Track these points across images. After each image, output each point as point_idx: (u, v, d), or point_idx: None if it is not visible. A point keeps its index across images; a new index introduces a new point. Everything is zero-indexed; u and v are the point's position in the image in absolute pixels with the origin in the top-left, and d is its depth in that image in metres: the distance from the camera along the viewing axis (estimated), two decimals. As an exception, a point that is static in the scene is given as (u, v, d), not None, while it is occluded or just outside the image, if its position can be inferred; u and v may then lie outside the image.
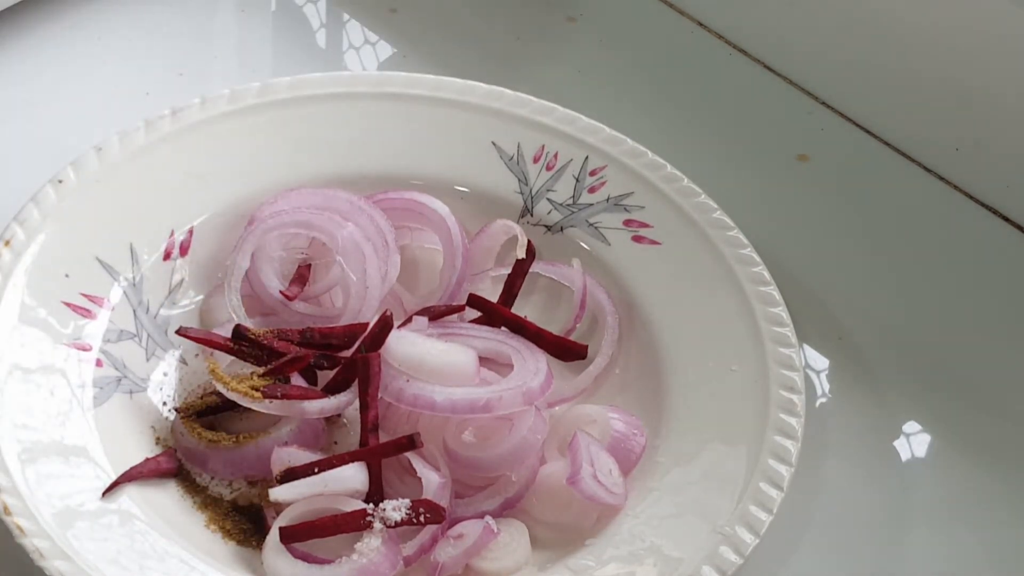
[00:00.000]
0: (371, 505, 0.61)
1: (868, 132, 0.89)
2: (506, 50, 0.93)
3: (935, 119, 0.86)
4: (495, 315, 0.70)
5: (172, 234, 0.72)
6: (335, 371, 0.66)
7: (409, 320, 0.69)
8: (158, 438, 0.66)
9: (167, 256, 0.71)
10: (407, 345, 0.65)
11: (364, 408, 0.64)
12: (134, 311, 0.69)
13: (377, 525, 0.60)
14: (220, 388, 0.64)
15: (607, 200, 0.75)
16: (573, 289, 0.72)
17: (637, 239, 0.74)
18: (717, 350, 0.69)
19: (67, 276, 0.68)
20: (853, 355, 0.76)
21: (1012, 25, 0.80)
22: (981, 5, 0.81)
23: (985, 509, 0.69)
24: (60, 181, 0.70)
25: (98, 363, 0.66)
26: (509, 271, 0.72)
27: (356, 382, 0.64)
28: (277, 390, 0.64)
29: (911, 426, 0.73)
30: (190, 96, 0.75)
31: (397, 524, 0.60)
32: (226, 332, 0.67)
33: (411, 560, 0.61)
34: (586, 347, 0.70)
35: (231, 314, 0.69)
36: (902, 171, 0.87)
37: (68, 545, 0.58)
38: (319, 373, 0.68)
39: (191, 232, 0.72)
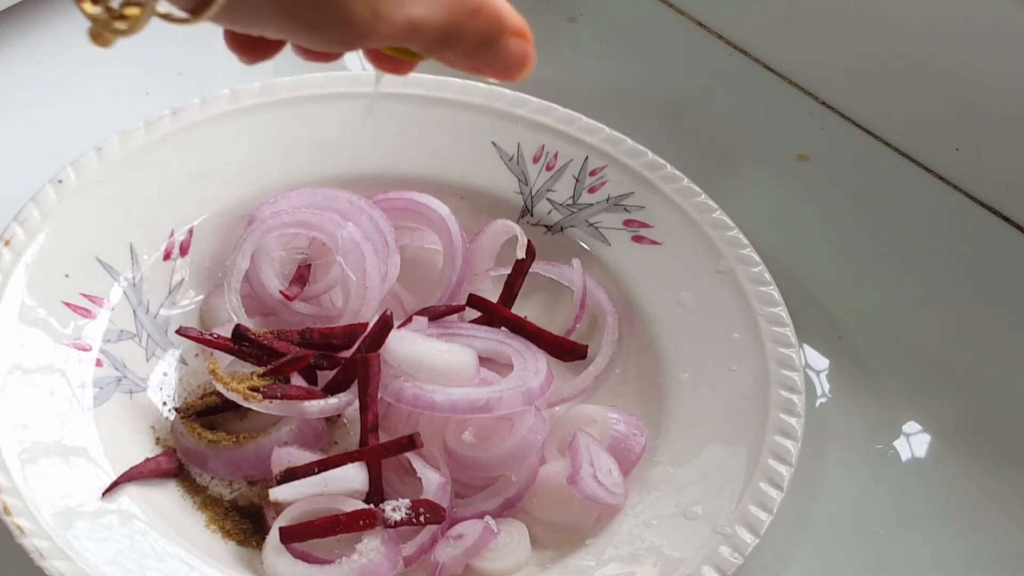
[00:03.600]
0: (371, 506, 0.61)
1: (868, 132, 0.89)
2: (506, 50, 0.93)
3: (935, 119, 0.86)
4: (495, 315, 0.70)
5: (172, 234, 0.72)
6: (335, 371, 0.66)
7: (409, 320, 0.69)
8: (158, 438, 0.66)
9: (167, 256, 0.71)
10: (407, 345, 0.65)
11: (364, 408, 0.64)
12: (134, 311, 0.69)
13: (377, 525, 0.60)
14: (220, 388, 0.64)
15: (607, 200, 0.75)
16: (573, 289, 0.72)
17: (637, 239, 0.74)
18: (717, 350, 0.69)
19: (67, 276, 0.68)
20: (853, 355, 0.76)
21: (1012, 25, 0.80)
22: (981, 5, 0.81)
23: (985, 509, 0.69)
24: (60, 181, 0.70)
25: (98, 363, 0.66)
26: (509, 271, 0.72)
27: (356, 382, 0.64)
28: (277, 390, 0.64)
29: (911, 426, 0.73)
30: (190, 96, 0.75)
31: (397, 524, 0.60)
32: (226, 332, 0.67)
33: (411, 560, 0.61)
34: (586, 347, 0.70)
35: (231, 314, 0.69)
36: (902, 171, 0.87)
37: (68, 545, 0.58)
38: (319, 373, 0.68)
39: (191, 232, 0.72)
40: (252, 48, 0.42)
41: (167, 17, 0.37)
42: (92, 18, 0.36)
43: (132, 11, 0.36)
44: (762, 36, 0.93)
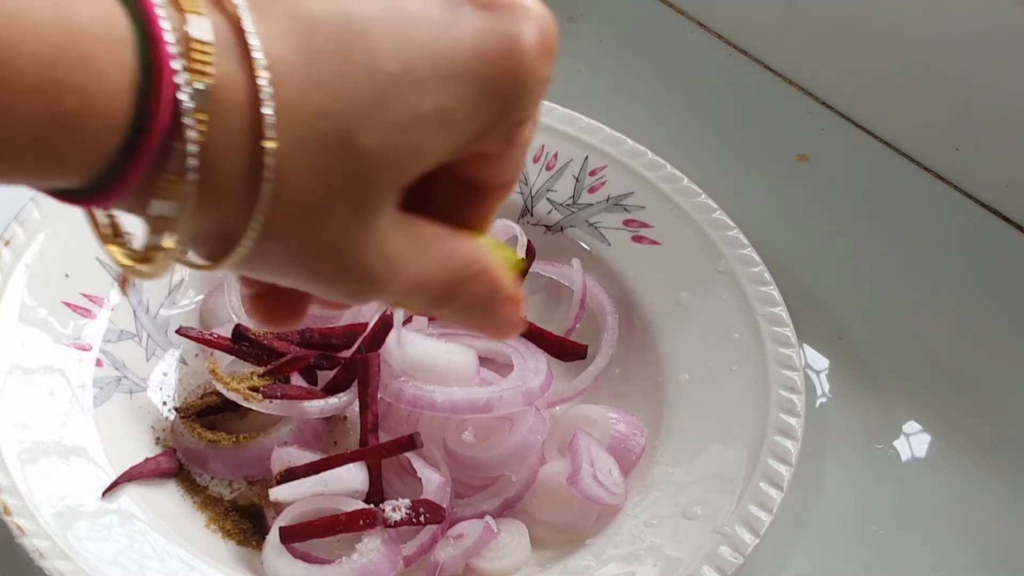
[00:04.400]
0: (371, 506, 0.61)
1: (868, 132, 0.89)
2: (506, 50, 0.93)
3: (935, 119, 0.86)
4: (495, 315, 0.70)
5: (172, 234, 0.72)
6: (335, 371, 0.66)
7: (409, 320, 0.69)
8: (158, 438, 0.66)
9: (167, 256, 0.71)
10: (407, 345, 0.65)
11: (364, 408, 0.64)
12: (134, 311, 0.69)
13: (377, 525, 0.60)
14: (220, 388, 0.64)
15: (607, 200, 0.75)
16: (573, 289, 0.72)
17: (637, 239, 0.74)
18: (717, 350, 0.69)
19: (67, 276, 0.68)
20: (853, 355, 0.76)
21: (1012, 25, 0.80)
22: (981, 5, 0.81)
23: (985, 509, 0.69)
24: (60, 181, 0.70)
25: (98, 363, 0.66)
26: (509, 271, 0.72)
27: (356, 382, 0.64)
28: (277, 390, 0.64)
29: (911, 426, 0.73)
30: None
31: (397, 524, 0.60)
32: (226, 332, 0.67)
33: (411, 560, 0.61)
34: (586, 347, 0.70)
35: (231, 314, 0.69)
36: (902, 171, 0.87)
37: (68, 545, 0.58)
38: (319, 373, 0.68)
39: (191, 232, 0.72)
40: (275, 315, 0.42)
41: (188, 263, 0.37)
42: (123, 267, 0.37)
43: (155, 255, 0.36)
44: (762, 36, 0.93)
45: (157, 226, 0.35)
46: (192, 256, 0.37)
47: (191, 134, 0.32)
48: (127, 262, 0.36)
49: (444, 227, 0.40)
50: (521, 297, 0.42)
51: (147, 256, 0.36)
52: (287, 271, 0.37)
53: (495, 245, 0.43)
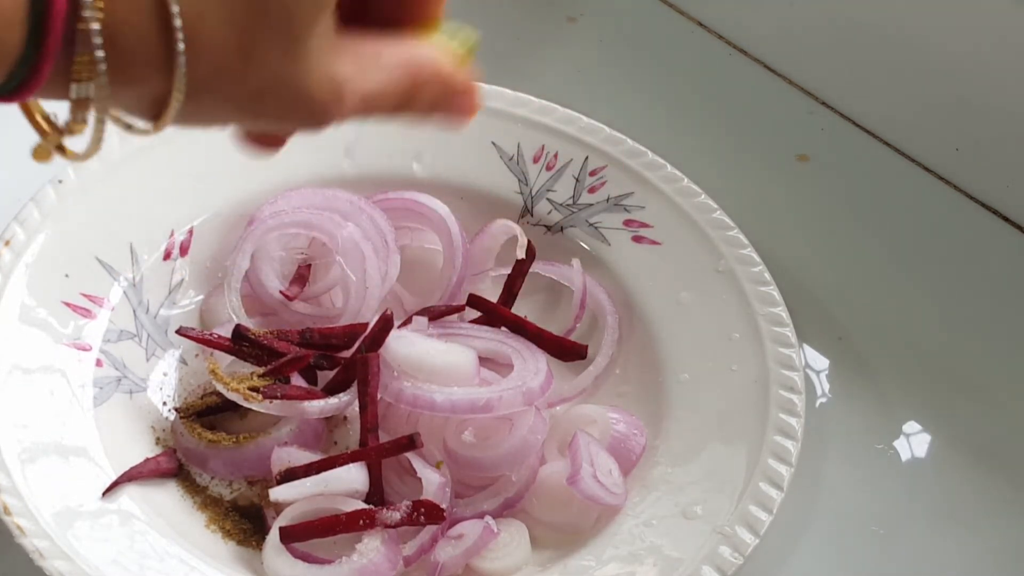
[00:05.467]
0: (371, 506, 0.61)
1: (868, 132, 0.89)
2: (506, 50, 0.93)
3: (935, 119, 0.86)
4: (495, 315, 0.70)
5: (172, 234, 0.72)
6: (335, 371, 0.66)
7: (409, 320, 0.69)
8: (158, 438, 0.66)
9: (167, 256, 0.71)
10: (407, 345, 0.65)
11: (364, 408, 0.64)
12: (134, 311, 0.69)
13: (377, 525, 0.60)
14: (220, 388, 0.64)
15: (607, 200, 0.75)
16: (573, 289, 0.72)
17: (637, 239, 0.74)
18: (717, 350, 0.69)
19: (67, 276, 0.68)
20: (853, 355, 0.76)
21: (1012, 25, 0.80)
22: (981, 5, 0.81)
23: (985, 509, 0.69)
24: (60, 181, 0.70)
25: (98, 363, 0.66)
26: (509, 271, 0.72)
27: (356, 382, 0.64)
28: (277, 390, 0.64)
29: (911, 426, 0.73)
30: (190, 96, 0.75)
31: (397, 524, 0.60)
32: (226, 332, 0.67)
33: (411, 560, 0.61)
34: (586, 347, 0.70)
35: (231, 314, 0.69)
36: (902, 171, 0.87)
37: (68, 545, 0.58)
38: (319, 373, 0.68)
39: (191, 232, 0.72)
40: (263, 143, 0.44)
41: (131, 128, 0.38)
42: (43, 133, 0.37)
43: (80, 128, 0.37)
44: (762, 36, 0.93)
45: (80, 107, 0.35)
46: (136, 122, 0.38)
47: (89, 14, 0.33)
48: (56, 139, 0.37)
49: (387, 38, 0.41)
50: (474, 85, 0.44)
51: (71, 128, 0.37)
52: (231, 116, 0.39)
53: (451, 35, 0.44)
